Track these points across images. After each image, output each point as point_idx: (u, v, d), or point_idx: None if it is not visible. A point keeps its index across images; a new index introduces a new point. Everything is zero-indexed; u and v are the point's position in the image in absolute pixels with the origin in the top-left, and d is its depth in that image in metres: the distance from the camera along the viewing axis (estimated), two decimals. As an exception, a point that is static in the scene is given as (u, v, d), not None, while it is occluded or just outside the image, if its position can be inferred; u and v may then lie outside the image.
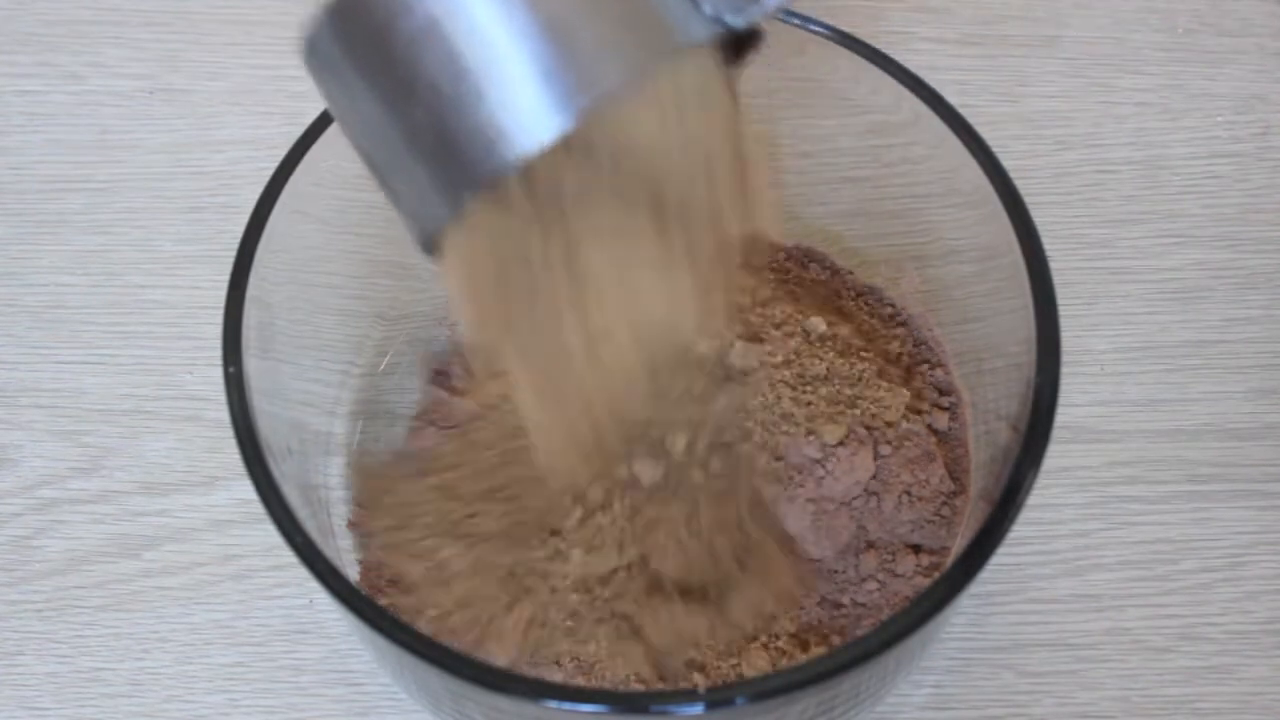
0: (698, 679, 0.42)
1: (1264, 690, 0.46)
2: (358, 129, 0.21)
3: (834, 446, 0.44)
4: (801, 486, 0.43)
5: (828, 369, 0.45)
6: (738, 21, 0.21)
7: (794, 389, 0.44)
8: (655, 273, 0.29)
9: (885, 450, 0.45)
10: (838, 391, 0.45)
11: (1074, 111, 0.59)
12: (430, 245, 0.21)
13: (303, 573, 0.38)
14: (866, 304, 0.50)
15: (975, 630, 0.47)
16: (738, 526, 0.43)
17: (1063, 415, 0.41)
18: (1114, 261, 0.54)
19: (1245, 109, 0.58)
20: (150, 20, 0.61)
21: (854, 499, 0.44)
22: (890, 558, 0.44)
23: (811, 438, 0.44)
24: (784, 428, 0.44)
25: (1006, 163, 0.43)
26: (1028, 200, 0.42)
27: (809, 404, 0.44)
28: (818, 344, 0.46)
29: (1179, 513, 0.49)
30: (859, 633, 0.43)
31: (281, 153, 0.44)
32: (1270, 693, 0.46)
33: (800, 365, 0.45)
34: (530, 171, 0.23)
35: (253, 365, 0.41)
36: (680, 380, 0.42)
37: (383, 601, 0.44)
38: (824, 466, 0.44)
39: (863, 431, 0.44)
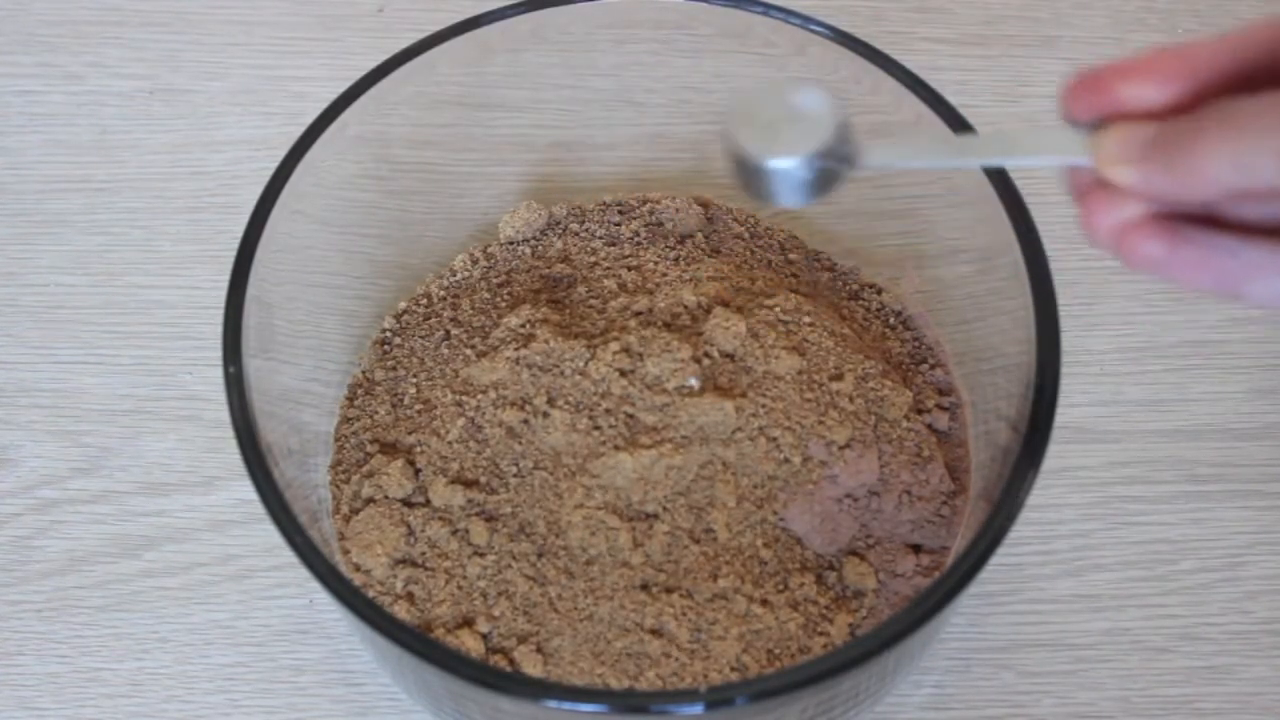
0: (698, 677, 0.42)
1: (1263, 690, 0.46)
2: None
3: (841, 448, 0.44)
4: (808, 485, 0.43)
5: (831, 369, 0.45)
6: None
7: (799, 389, 0.44)
8: None
9: (886, 450, 0.45)
10: (842, 391, 0.45)
11: (1074, 111, 0.59)
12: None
13: (303, 573, 0.38)
14: (866, 304, 0.50)
15: (975, 630, 0.47)
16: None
17: (1063, 415, 0.41)
18: (1114, 261, 0.54)
19: (1245, 109, 0.58)
20: (150, 20, 0.61)
21: (857, 499, 0.44)
22: (890, 558, 0.44)
23: (819, 438, 0.44)
24: (790, 428, 0.44)
25: (1007, 163, 0.43)
26: (1028, 200, 0.42)
27: (814, 404, 0.44)
28: (820, 344, 0.46)
29: (1179, 513, 0.49)
30: (859, 632, 0.43)
31: (281, 153, 0.44)
32: (1270, 693, 0.46)
33: (804, 365, 0.45)
34: None
35: (253, 365, 0.41)
36: None
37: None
38: (831, 467, 0.44)
39: (868, 432, 0.44)
